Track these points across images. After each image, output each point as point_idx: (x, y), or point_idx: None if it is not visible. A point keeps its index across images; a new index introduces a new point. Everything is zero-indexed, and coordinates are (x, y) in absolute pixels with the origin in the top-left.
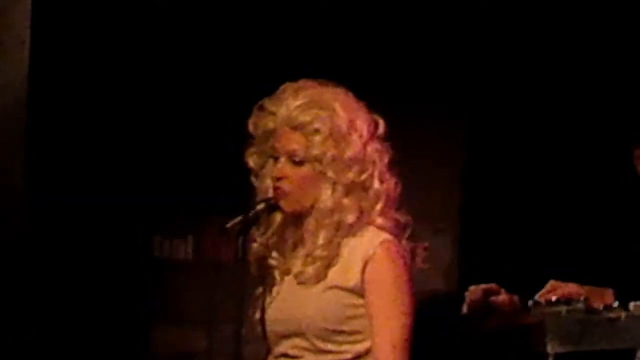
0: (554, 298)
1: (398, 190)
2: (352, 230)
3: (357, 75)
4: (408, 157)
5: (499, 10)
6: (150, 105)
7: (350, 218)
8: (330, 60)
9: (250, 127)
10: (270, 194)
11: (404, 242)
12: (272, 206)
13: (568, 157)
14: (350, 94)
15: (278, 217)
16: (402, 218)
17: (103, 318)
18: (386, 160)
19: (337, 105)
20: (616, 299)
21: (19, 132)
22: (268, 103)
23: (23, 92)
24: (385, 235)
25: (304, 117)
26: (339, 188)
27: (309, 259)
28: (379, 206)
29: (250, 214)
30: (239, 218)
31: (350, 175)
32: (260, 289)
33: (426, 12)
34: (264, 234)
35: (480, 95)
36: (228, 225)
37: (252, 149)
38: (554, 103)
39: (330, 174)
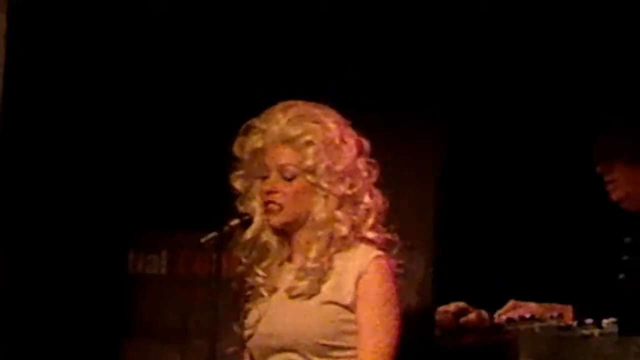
0: (516, 317)
1: (386, 207)
2: (344, 244)
3: (333, 91)
4: (383, 174)
5: (480, 12)
6: (130, 117)
7: (344, 230)
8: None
9: (236, 150)
10: (259, 214)
11: (392, 258)
12: (247, 222)
13: (542, 175)
14: (336, 112)
15: (262, 235)
16: (390, 235)
17: (76, 332)
18: (374, 176)
19: (327, 120)
20: (575, 316)
21: None
22: (257, 122)
23: None
24: (377, 252)
25: (296, 131)
26: (332, 200)
27: (301, 273)
28: (370, 221)
29: (225, 230)
30: (214, 233)
31: (342, 188)
32: (244, 306)
33: (408, 16)
34: (247, 252)
35: (456, 111)
36: (202, 240)
37: (238, 172)
38: (531, 117)
39: (324, 184)
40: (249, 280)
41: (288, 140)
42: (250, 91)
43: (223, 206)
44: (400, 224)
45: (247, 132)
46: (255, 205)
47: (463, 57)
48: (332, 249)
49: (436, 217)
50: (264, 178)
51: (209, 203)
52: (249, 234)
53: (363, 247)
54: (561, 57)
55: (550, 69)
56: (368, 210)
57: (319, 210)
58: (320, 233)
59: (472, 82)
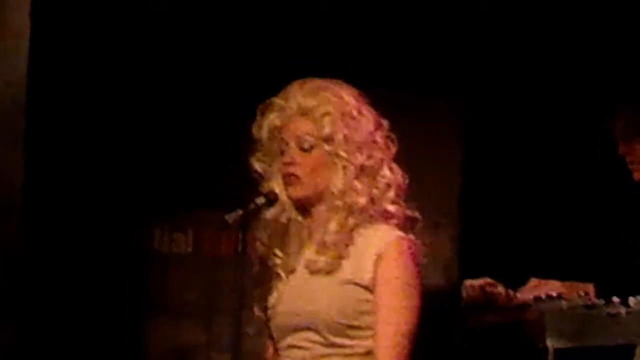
0: (542, 295)
1: (406, 183)
2: (365, 219)
3: (356, 70)
4: (408, 152)
5: (498, 6)
6: (154, 100)
7: (362, 201)
8: (330, 58)
9: (255, 131)
10: (280, 191)
11: (412, 237)
12: (272, 200)
13: (566, 152)
14: (354, 89)
15: (282, 215)
16: (411, 213)
17: (102, 311)
18: (393, 150)
19: (343, 92)
20: (597, 294)
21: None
22: (275, 100)
23: (23, 89)
24: (398, 232)
25: (313, 102)
26: (351, 169)
27: (321, 247)
28: (390, 194)
29: (250, 208)
30: (239, 212)
31: (360, 158)
32: (264, 286)
33: (426, 7)
34: (267, 233)
35: (480, 91)
36: (228, 218)
37: (258, 154)
38: (553, 97)
39: (342, 153)
40: (268, 261)
41: (305, 112)
42: (269, 64)
43: (249, 184)
44: (425, 202)
45: (265, 111)
46: (275, 185)
47: (490, 40)
48: (351, 221)
49: (461, 195)
50: (283, 154)
51: (235, 181)
52: (268, 215)
53: (385, 227)
54: (584, 41)
55: (574, 51)
56: (388, 184)
57: (337, 180)
58: (338, 203)
59: (499, 63)
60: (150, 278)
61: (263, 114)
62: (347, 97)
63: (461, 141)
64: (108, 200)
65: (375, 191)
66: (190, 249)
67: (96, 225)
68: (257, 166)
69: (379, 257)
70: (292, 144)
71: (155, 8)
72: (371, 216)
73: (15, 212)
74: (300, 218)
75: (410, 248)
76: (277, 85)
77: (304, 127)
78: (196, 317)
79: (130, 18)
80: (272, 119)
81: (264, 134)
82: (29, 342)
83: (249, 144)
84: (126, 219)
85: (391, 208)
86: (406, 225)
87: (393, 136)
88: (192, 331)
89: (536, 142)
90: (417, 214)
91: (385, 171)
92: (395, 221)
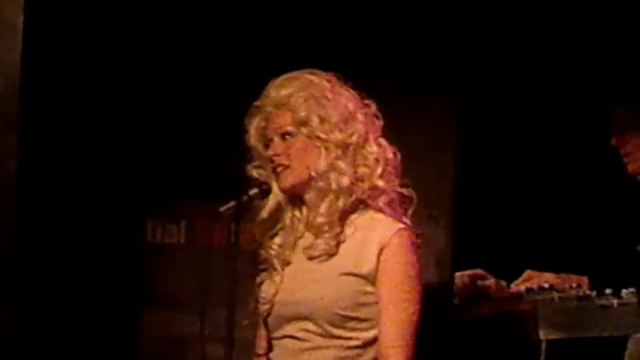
0: (535, 287)
1: (398, 159)
2: (358, 198)
3: (350, 64)
4: (400, 142)
5: (496, 3)
6: (146, 91)
7: (344, 181)
8: (328, 54)
9: (247, 140)
10: (273, 186)
11: (408, 221)
12: (266, 191)
13: (561, 147)
14: (332, 75)
15: (277, 208)
16: (406, 191)
17: (94, 302)
18: (379, 124)
19: (315, 77)
20: (591, 286)
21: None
22: (255, 103)
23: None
24: (400, 224)
25: (284, 92)
26: (332, 149)
27: (316, 231)
28: (379, 170)
29: (244, 199)
30: (232, 203)
31: (340, 135)
32: (261, 276)
33: (425, 3)
34: (263, 224)
35: (475, 83)
36: (221, 209)
37: (253, 161)
38: (548, 88)
39: (320, 134)
40: (264, 253)
41: (280, 104)
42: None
43: (242, 175)
44: (419, 194)
45: (250, 117)
46: (271, 180)
47: (487, 34)
48: (341, 202)
49: (456, 187)
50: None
51: (229, 172)
52: (264, 209)
53: (386, 219)
54: (582, 35)
55: (570, 46)
56: (376, 159)
57: (320, 162)
58: (321, 184)
59: (493, 54)
60: (142, 269)
61: (249, 121)
62: (318, 80)
63: (455, 131)
64: (100, 192)
65: (363, 168)
66: (183, 240)
67: (88, 216)
68: (254, 173)
69: (381, 249)
70: (276, 137)
71: (147, 4)
72: (363, 193)
73: (9, 203)
74: (297, 212)
75: (412, 240)
76: (269, 78)
77: (281, 118)
78: (189, 308)
79: (125, 9)
80: (256, 122)
81: (252, 139)
82: (22, 334)
83: (241, 135)
84: (118, 210)
85: (380, 183)
86: (400, 204)
87: (378, 113)
88: (186, 322)
89: (531, 133)
90: (411, 192)
91: (372, 146)
92: (386, 198)
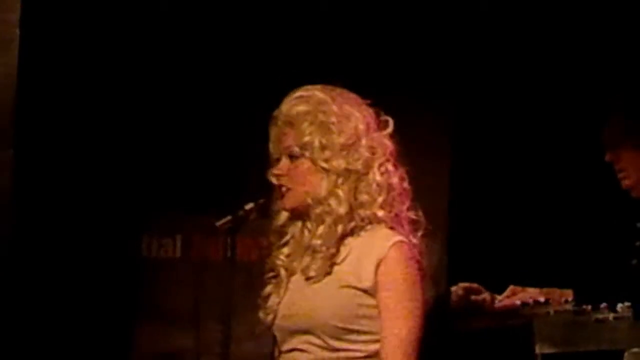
0: (530, 301)
1: (405, 184)
2: (358, 225)
3: (345, 74)
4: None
5: (490, 11)
6: (142, 105)
7: (341, 210)
8: (324, 61)
9: (269, 147)
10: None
11: (415, 241)
12: (262, 206)
13: (555, 163)
14: (350, 93)
15: (281, 222)
16: (414, 215)
17: (90, 316)
18: (389, 152)
19: (327, 98)
20: (576, 300)
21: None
22: (274, 113)
23: (12, 92)
24: (398, 237)
25: (295, 110)
26: (333, 177)
27: (310, 252)
28: (380, 199)
29: (239, 214)
30: (228, 217)
31: (343, 162)
32: (268, 289)
33: (417, 11)
34: (271, 237)
35: (468, 97)
36: (217, 224)
37: (272, 169)
38: (541, 105)
39: (320, 162)
40: (271, 262)
41: (289, 122)
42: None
43: (237, 190)
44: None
45: (269, 125)
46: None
47: (479, 46)
48: (340, 228)
49: (451, 203)
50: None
51: (224, 187)
52: (279, 220)
53: (384, 231)
54: (574, 47)
55: (563, 58)
56: (379, 188)
57: (320, 188)
58: (319, 210)
59: (487, 69)
60: (139, 283)
61: (270, 128)
62: (329, 100)
63: (449, 148)
64: (97, 205)
65: (365, 196)
66: (178, 254)
67: (85, 230)
68: (274, 180)
69: (379, 261)
70: (283, 157)
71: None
72: (363, 220)
73: (4, 218)
74: (300, 224)
75: (410, 251)
76: (267, 92)
77: (289, 137)
78: (185, 322)
79: (124, 11)
80: (273, 132)
81: (271, 147)
82: (18, 347)
83: (240, 150)
84: (115, 224)
85: (380, 213)
86: (407, 222)
87: (393, 140)
88: (181, 336)
89: (525, 149)
90: (420, 215)
91: (376, 174)
92: (387, 225)
